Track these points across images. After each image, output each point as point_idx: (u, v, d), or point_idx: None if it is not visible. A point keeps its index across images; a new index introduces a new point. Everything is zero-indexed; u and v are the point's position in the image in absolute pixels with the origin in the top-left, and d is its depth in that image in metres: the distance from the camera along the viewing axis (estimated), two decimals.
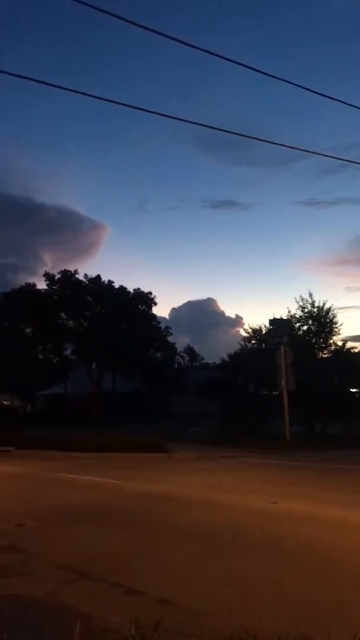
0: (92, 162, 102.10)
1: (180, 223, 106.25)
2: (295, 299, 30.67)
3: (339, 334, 30.74)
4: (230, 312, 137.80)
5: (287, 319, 29.17)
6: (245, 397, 32.05)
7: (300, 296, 30.48)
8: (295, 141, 63.14)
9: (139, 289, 48.05)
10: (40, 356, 48.75)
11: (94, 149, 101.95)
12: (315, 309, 30.24)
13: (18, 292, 47.00)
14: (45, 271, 46.91)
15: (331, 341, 30.77)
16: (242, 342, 34.11)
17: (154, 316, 49.25)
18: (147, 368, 47.45)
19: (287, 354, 23.59)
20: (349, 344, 31.48)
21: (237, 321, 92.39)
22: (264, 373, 26.43)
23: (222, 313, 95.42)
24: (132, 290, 47.84)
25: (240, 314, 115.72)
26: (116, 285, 47.43)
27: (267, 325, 29.28)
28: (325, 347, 30.93)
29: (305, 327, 30.70)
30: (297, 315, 30.37)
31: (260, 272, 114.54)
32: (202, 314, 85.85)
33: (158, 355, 50.47)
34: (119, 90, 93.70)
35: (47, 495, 11.21)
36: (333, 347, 30.90)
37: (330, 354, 30.85)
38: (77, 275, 46.62)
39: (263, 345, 31.19)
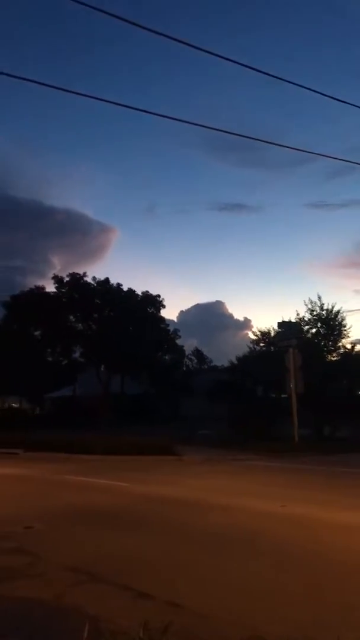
0: (101, 166, 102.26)
1: (188, 226, 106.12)
2: (304, 302, 30.60)
3: (348, 336, 30.62)
4: (238, 315, 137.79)
5: (296, 322, 29.09)
6: (253, 400, 31.98)
7: (309, 299, 30.42)
8: (303, 143, 63.14)
9: (147, 291, 48.08)
10: (49, 359, 48.80)
11: (103, 153, 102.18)
12: (324, 312, 30.13)
13: (27, 295, 47.12)
14: (54, 274, 46.92)
15: (340, 344, 30.65)
16: (251, 345, 34.08)
17: (163, 319, 49.20)
18: (155, 370, 47.44)
19: (296, 357, 23.52)
20: (358, 347, 31.37)
21: (246, 324, 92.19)
22: (273, 376, 26.35)
23: (231, 316, 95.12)
24: (140, 293, 47.85)
25: (248, 317, 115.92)
26: (125, 288, 47.46)
27: (276, 328, 29.24)
28: (334, 350, 30.80)
29: (314, 330, 30.60)
30: (305, 318, 30.29)
31: (269, 274, 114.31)
32: (210, 317, 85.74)
33: (166, 357, 50.41)
34: (127, 94, 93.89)
35: (55, 497, 11.22)
36: (342, 350, 30.78)
37: (339, 357, 30.71)
38: (85, 278, 46.65)
39: (271, 348, 31.12)
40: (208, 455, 19.79)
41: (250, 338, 35.23)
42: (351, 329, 32.11)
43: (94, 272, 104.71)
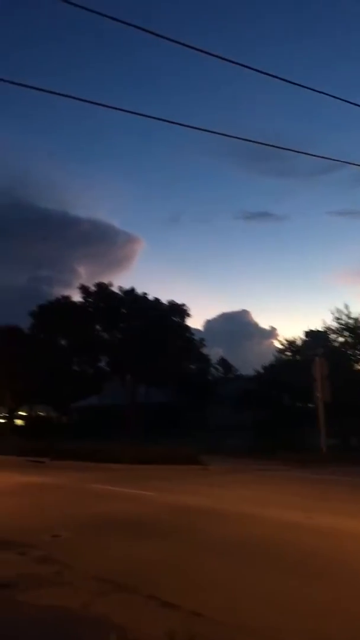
0: (126, 176, 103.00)
1: (213, 235, 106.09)
2: (331, 311, 30.38)
3: None
4: (264, 324, 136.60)
5: (323, 331, 28.89)
6: (280, 409, 31.77)
7: (336, 307, 30.18)
8: (328, 151, 62.61)
9: (173, 300, 48.10)
10: (76, 368, 49.19)
11: (128, 163, 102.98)
12: (351, 321, 29.86)
13: (54, 305, 47.63)
14: (80, 284, 47.42)
15: None
16: (277, 354, 33.91)
17: (188, 328, 49.15)
18: (181, 380, 47.40)
19: (323, 366, 23.36)
20: None
21: (272, 333, 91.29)
22: (299, 385, 26.18)
23: (256, 325, 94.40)
24: (166, 302, 47.96)
25: (274, 326, 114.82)
26: (150, 298, 47.60)
27: (302, 337, 29.09)
28: None
29: (341, 339, 30.34)
30: (332, 327, 30.05)
31: (295, 283, 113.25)
32: (236, 326, 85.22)
33: (192, 366, 50.37)
34: (152, 105, 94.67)
35: (81, 506, 11.28)
36: None
37: None
38: (111, 288, 47.02)
39: (297, 356, 30.93)
40: (234, 465, 19.70)
41: (276, 347, 35.12)
42: None
43: (120, 281, 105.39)
